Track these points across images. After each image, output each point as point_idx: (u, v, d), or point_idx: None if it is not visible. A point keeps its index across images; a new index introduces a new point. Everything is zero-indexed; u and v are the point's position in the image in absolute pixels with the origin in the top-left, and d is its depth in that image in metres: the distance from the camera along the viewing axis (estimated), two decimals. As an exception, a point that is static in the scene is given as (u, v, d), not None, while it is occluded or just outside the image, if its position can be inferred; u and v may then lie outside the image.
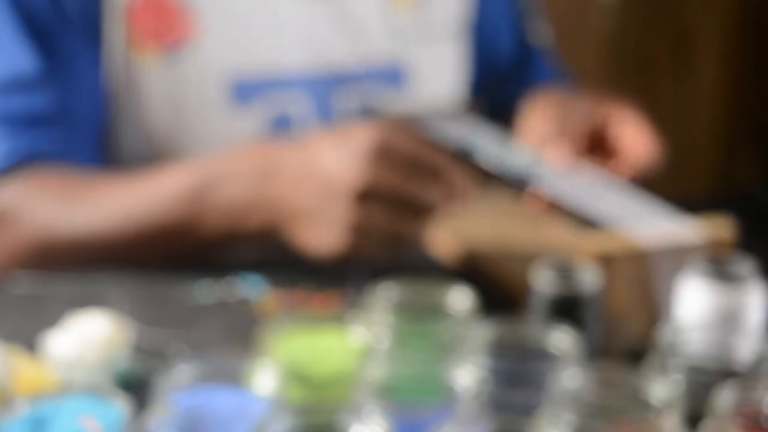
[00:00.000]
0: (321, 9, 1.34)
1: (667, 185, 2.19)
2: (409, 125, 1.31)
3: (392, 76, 1.38)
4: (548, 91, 1.37)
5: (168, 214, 1.15)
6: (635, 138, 1.20)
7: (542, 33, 1.52)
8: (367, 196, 1.08)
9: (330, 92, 1.35)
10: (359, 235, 1.09)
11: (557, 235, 1.19)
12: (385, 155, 1.09)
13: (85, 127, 1.26)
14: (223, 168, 1.15)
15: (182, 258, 1.17)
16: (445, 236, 1.20)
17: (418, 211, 1.10)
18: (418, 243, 1.12)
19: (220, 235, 1.15)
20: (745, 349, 0.86)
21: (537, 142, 1.19)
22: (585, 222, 1.19)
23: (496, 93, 1.49)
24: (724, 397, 0.77)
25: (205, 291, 1.13)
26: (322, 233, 1.10)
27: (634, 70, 2.38)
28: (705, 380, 0.82)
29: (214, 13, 1.29)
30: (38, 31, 1.23)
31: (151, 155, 1.27)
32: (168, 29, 1.27)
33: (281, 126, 1.32)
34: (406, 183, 1.09)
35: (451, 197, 1.11)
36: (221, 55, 1.29)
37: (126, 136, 1.29)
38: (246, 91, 1.30)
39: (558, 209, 1.16)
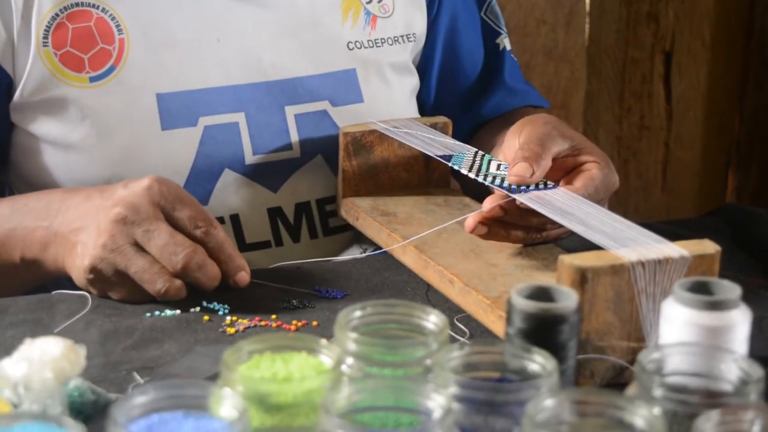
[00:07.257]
0: (261, 19, 1.33)
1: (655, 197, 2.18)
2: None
3: (344, 84, 1.37)
4: (532, 113, 1.35)
5: None
6: (595, 166, 1.18)
7: (507, 40, 1.52)
8: (122, 222, 1.10)
9: (270, 106, 1.33)
10: (104, 258, 1.10)
11: (535, 253, 1.16)
12: (158, 193, 1.11)
13: None
14: (25, 200, 1.21)
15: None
16: (416, 258, 1.17)
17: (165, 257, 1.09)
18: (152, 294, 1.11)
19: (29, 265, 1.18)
20: (729, 373, 0.84)
21: (512, 156, 1.17)
22: (566, 240, 1.17)
23: (464, 102, 1.48)
24: (708, 422, 0.75)
25: (166, 317, 1.10)
26: (79, 251, 1.12)
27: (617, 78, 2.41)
28: (688, 405, 0.79)
29: (143, 35, 1.28)
30: None
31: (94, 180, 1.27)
32: (95, 54, 1.27)
33: (216, 143, 1.31)
34: (162, 223, 1.10)
35: (212, 268, 1.11)
36: (150, 78, 1.28)
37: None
38: (176, 111, 1.29)
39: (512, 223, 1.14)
